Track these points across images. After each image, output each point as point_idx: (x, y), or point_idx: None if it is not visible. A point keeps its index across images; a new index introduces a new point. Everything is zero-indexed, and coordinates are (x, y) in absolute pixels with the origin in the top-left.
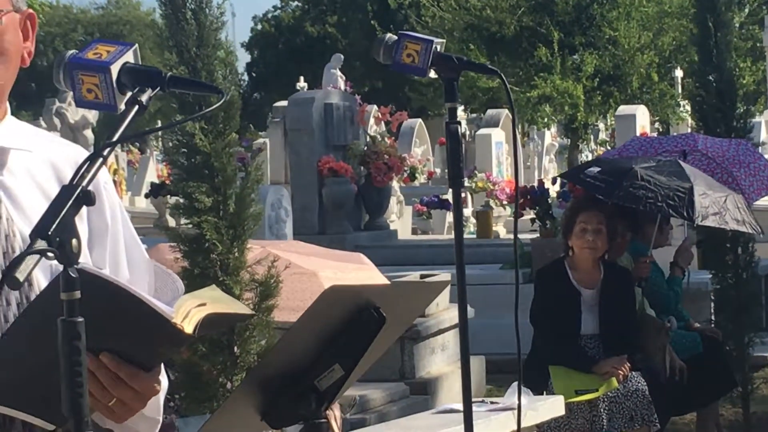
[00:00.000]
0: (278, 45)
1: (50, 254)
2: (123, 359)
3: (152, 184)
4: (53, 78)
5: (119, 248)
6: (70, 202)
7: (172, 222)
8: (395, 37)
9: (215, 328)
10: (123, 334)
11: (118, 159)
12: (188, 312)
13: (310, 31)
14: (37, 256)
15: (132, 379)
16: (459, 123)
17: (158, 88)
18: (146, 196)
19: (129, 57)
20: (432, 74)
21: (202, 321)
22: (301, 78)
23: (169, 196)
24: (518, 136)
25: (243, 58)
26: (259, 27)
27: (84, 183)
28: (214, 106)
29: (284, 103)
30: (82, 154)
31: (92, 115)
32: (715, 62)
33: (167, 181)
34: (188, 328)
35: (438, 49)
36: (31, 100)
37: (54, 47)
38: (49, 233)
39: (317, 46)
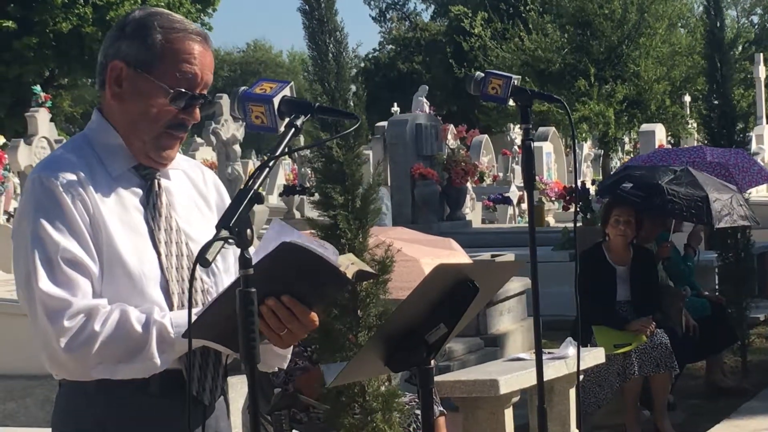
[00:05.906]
0: (376, 78)
1: (231, 240)
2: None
3: (285, 186)
4: (229, 108)
5: (229, 258)
6: (246, 201)
7: (297, 215)
8: (482, 75)
9: (360, 280)
10: (305, 281)
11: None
12: (347, 266)
13: (401, 68)
14: (221, 242)
15: (302, 314)
16: (532, 140)
17: (309, 115)
18: (280, 195)
19: (287, 91)
20: (510, 102)
21: (356, 273)
22: (395, 104)
23: (298, 195)
24: (576, 149)
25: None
26: (362, 65)
27: (256, 186)
28: (351, 128)
29: (383, 123)
30: (198, 163)
31: (239, 133)
32: (721, 90)
33: (294, 183)
34: (349, 275)
35: (515, 83)
36: None
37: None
38: (231, 224)
39: (407, 79)
